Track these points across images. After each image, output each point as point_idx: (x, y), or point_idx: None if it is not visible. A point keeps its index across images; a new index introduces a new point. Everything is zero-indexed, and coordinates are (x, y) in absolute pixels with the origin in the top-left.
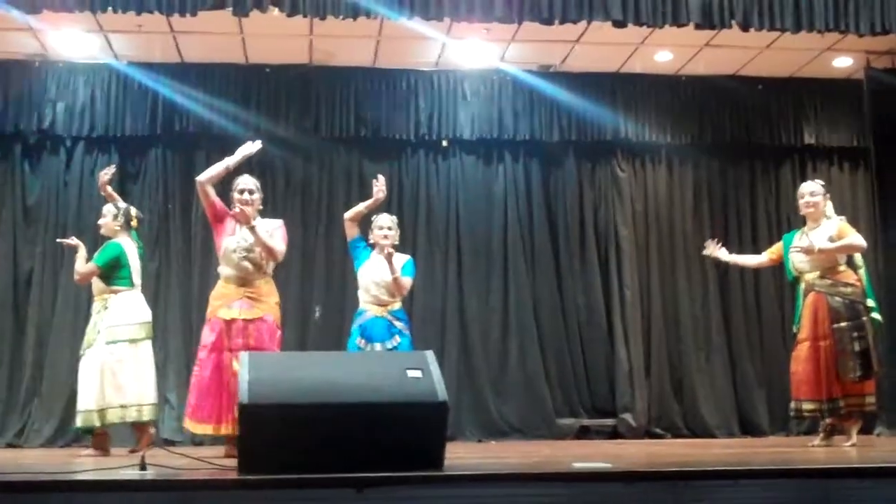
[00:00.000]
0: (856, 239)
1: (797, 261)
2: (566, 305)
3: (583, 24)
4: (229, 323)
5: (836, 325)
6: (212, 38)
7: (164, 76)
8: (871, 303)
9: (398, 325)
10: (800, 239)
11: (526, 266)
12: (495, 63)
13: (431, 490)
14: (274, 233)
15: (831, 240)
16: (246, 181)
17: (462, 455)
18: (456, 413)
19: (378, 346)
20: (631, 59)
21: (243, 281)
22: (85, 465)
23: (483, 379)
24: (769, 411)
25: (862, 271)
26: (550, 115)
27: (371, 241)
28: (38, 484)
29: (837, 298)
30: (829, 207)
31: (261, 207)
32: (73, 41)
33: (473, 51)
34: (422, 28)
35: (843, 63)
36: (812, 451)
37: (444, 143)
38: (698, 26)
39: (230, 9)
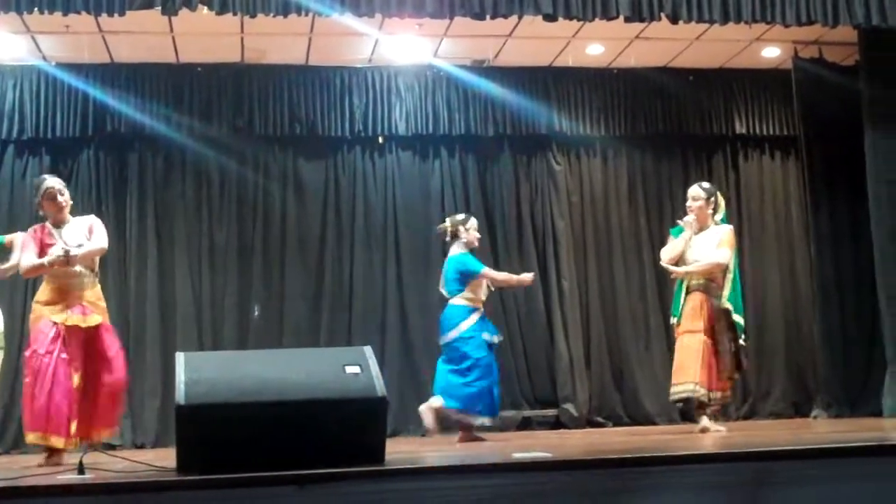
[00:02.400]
0: (718, 257)
1: (692, 258)
2: (505, 298)
3: (514, 18)
4: (70, 329)
5: (715, 325)
6: (142, 38)
7: (94, 77)
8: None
9: None
10: (686, 239)
11: None
12: (429, 59)
13: (373, 484)
14: (94, 230)
15: (717, 246)
16: (53, 181)
17: (404, 450)
18: (398, 409)
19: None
20: (563, 52)
21: (70, 284)
22: (25, 471)
23: (424, 374)
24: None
25: (730, 276)
26: (485, 110)
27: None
28: None
29: (715, 301)
30: (720, 212)
31: (70, 202)
32: None
33: (406, 47)
34: (354, 24)
35: (771, 53)
36: (749, 435)
37: (380, 140)
38: (628, 19)
39: (159, 7)
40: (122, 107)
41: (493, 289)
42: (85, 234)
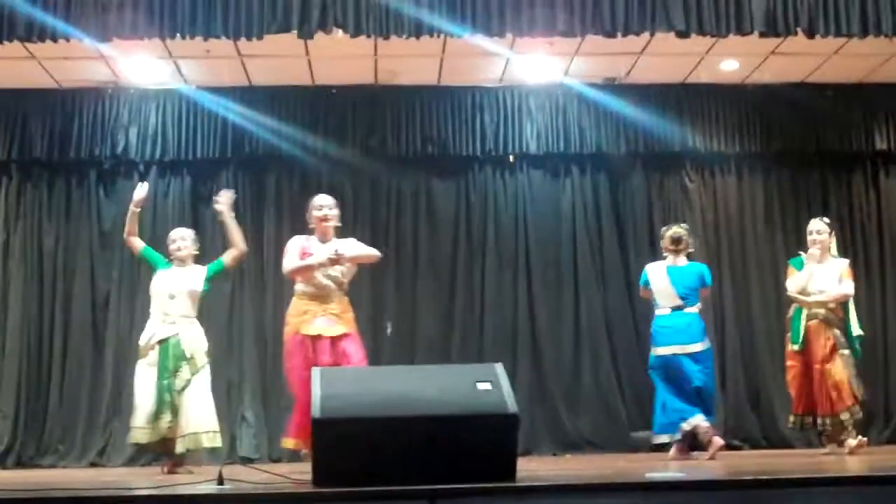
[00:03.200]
0: (848, 289)
1: (815, 289)
2: (638, 318)
3: (646, 35)
4: (314, 339)
5: (840, 352)
6: (278, 61)
7: (233, 100)
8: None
9: None
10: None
11: (596, 279)
12: (560, 77)
13: (504, 501)
14: (357, 246)
15: (839, 279)
16: (324, 199)
17: (536, 468)
18: (529, 427)
19: None
20: (696, 69)
21: (322, 298)
22: (165, 481)
23: (556, 393)
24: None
25: (852, 306)
26: (617, 128)
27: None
28: (116, 499)
29: (836, 330)
30: (833, 246)
31: (339, 224)
32: (143, 68)
33: (537, 66)
34: (485, 44)
35: None
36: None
37: (511, 159)
38: (763, 34)
39: (295, 31)
40: (260, 129)
41: None
42: (354, 251)
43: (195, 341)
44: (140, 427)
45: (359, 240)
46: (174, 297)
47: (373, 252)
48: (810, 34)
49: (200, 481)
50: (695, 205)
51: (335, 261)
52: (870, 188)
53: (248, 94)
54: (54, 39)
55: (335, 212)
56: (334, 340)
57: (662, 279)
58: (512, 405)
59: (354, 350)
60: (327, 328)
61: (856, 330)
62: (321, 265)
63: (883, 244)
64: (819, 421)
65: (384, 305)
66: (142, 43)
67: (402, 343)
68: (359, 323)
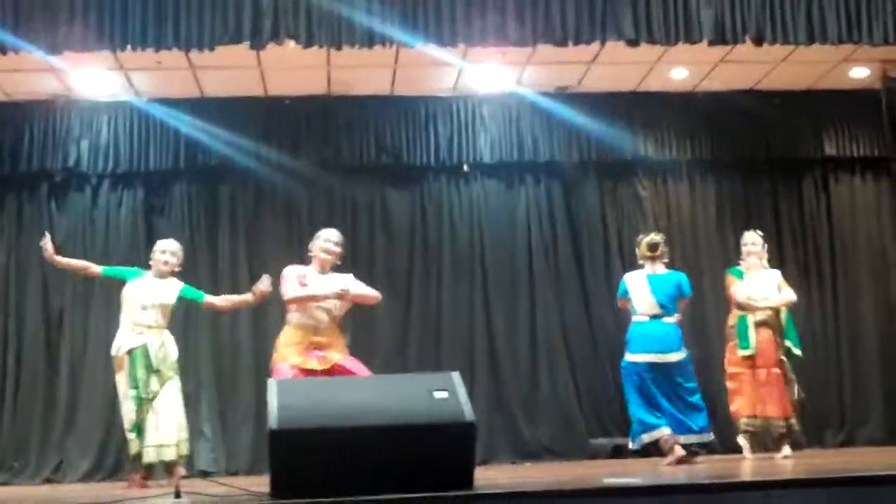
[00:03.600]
0: (792, 296)
1: (759, 297)
2: (594, 325)
3: (597, 44)
4: (307, 372)
5: (783, 358)
6: (231, 72)
7: (185, 111)
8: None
9: None
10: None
11: (552, 287)
12: (512, 86)
13: None
14: (360, 286)
15: (778, 287)
16: (333, 234)
17: (494, 476)
18: (488, 437)
19: None
20: (647, 77)
21: (315, 330)
22: (124, 495)
23: (514, 402)
24: (803, 424)
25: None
26: (569, 137)
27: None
28: None
29: (778, 337)
30: (764, 258)
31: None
32: (94, 80)
33: (490, 75)
34: (437, 54)
35: (859, 74)
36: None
37: (465, 168)
38: (712, 43)
39: (247, 42)
40: (213, 140)
41: None
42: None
43: (163, 351)
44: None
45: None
46: (146, 307)
47: (375, 294)
48: (758, 42)
49: (155, 495)
50: (648, 212)
51: (341, 296)
52: (820, 194)
53: (201, 106)
54: (3, 52)
55: (339, 250)
56: (330, 371)
57: (643, 287)
58: (469, 413)
59: (351, 364)
60: (318, 364)
61: (795, 349)
62: (326, 297)
63: (834, 249)
64: (776, 423)
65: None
66: (92, 55)
67: (359, 353)
68: None
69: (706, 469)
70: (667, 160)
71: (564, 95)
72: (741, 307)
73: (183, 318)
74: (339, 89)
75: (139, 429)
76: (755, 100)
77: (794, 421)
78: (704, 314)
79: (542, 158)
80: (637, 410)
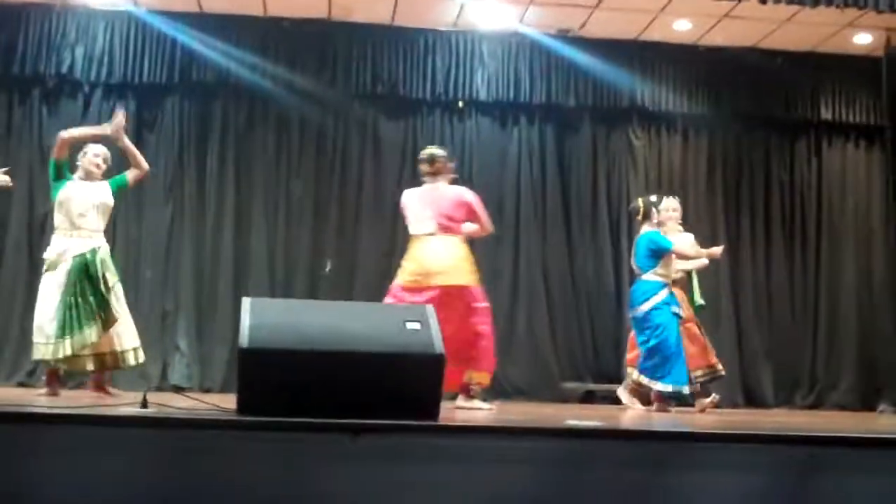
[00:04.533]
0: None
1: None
2: (576, 271)
3: None
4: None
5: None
6: None
7: (183, 25)
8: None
9: None
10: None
11: (537, 230)
12: (514, 25)
13: (425, 439)
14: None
15: (693, 246)
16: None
17: (460, 412)
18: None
19: None
20: (650, 27)
21: None
22: (88, 402)
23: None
24: (774, 383)
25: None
26: (567, 80)
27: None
28: (38, 416)
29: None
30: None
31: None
32: None
33: (492, 12)
34: None
35: (862, 40)
36: (806, 420)
37: (461, 105)
38: None
39: None
40: (209, 55)
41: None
42: None
43: (108, 257)
44: (43, 343)
45: (304, 171)
46: (86, 212)
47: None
48: (763, 0)
49: (123, 403)
50: (639, 162)
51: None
52: (812, 157)
53: (199, 21)
54: None
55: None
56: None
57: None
58: (439, 346)
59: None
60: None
61: (698, 299)
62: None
63: (821, 214)
64: (696, 374)
65: (325, 242)
66: None
67: (341, 280)
68: (300, 260)
69: (670, 420)
70: (663, 111)
71: (566, 38)
72: None
73: (167, 234)
74: (340, 14)
75: (62, 335)
76: (756, 58)
77: (717, 367)
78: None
79: (538, 100)
80: None
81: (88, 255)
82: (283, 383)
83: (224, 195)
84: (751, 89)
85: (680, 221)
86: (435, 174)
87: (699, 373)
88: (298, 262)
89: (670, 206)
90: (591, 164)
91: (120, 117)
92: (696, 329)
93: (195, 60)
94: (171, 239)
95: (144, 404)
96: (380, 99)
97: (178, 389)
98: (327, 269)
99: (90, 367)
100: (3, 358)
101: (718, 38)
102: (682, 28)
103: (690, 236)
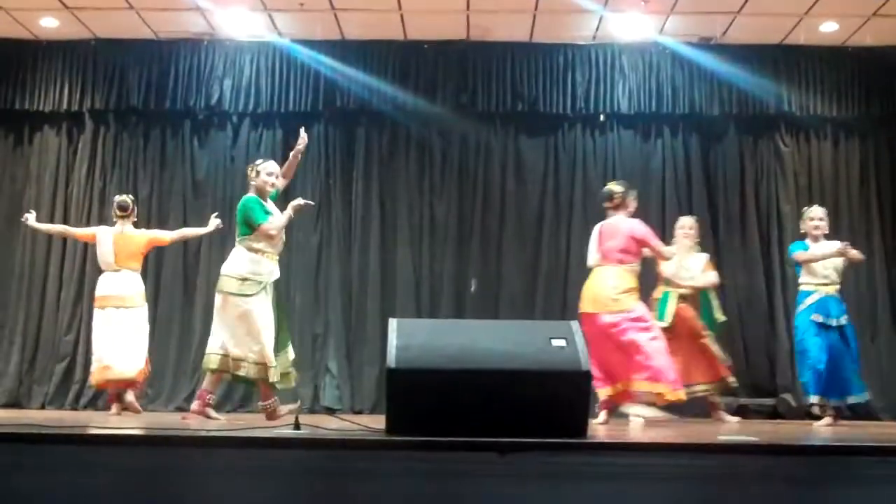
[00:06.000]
0: (716, 278)
1: (686, 276)
2: (726, 283)
3: None
4: None
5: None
6: (371, 15)
7: (325, 53)
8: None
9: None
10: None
11: None
12: (654, 36)
13: (573, 457)
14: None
15: (703, 269)
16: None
17: (612, 428)
18: None
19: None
20: (795, 30)
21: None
22: (246, 423)
23: None
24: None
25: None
26: (711, 89)
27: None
28: (193, 440)
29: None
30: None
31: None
32: (238, 20)
33: (632, 24)
34: (578, 1)
35: None
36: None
37: (602, 118)
38: None
39: None
40: (351, 83)
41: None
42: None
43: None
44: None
45: (446, 195)
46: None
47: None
48: None
49: (278, 426)
50: (788, 169)
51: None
52: None
53: (341, 48)
54: None
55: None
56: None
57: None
58: (585, 363)
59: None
60: None
61: (719, 316)
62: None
63: None
64: (704, 388)
65: (469, 262)
66: None
67: (486, 300)
68: (445, 281)
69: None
70: (811, 116)
71: (707, 46)
72: (667, 282)
73: (315, 258)
74: (478, 35)
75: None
76: None
77: (728, 381)
78: (845, 276)
79: (681, 110)
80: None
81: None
82: (430, 403)
83: (370, 219)
84: None
85: (697, 240)
86: (616, 208)
87: (702, 387)
88: (443, 282)
89: (815, 216)
90: (738, 174)
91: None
92: (708, 343)
93: (338, 87)
94: (320, 263)
95: (297, 426)
96: (520, 116)
97: (329, 411)
98: (472, 289)
99: (293, 383)
100: (163, 384)
101: (867, 38)
102: (828, 29)
103: (705, 256)
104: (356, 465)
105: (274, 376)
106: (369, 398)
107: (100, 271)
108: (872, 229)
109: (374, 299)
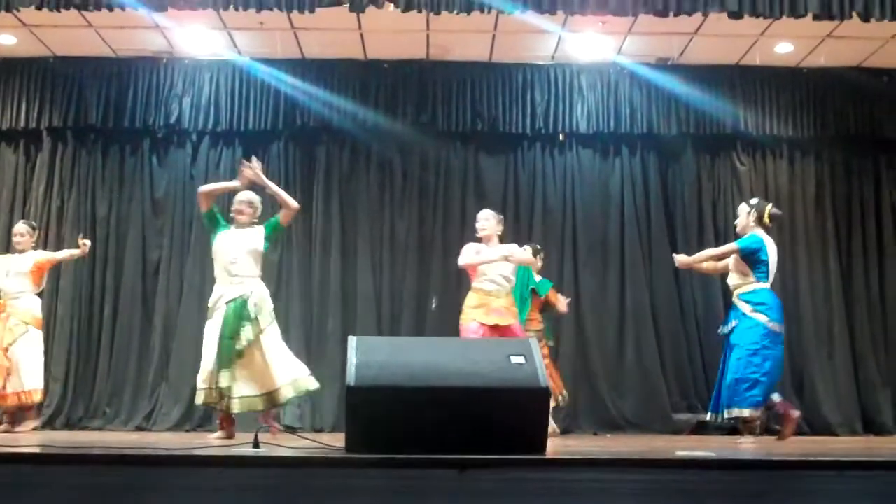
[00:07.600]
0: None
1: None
2: (684, 300)
3: (699, 16)
4: (491, 328)
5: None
6: (331, 34)
7: (286, 72)
8: None
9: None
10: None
11: (643, 261)
12: (612, 56)
13: (532, 473)
14: (522, 252)
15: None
16: (480, 214)
17: (572, 445)
18: (572, 407)
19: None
20: (751, 51)
21: (495, 295)
22: (204, 443)
23: (599, 373)
24: (894, 407)
25: None
26: (668, 109)
27: None
28: (153, 459)
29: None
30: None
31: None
32: (198, 38)
33: (590, 44)
34: (537, 21)
35: None
36: None
37: (561, 138)
38: (816, 17)
39: (347, 5)
40: (311, 101)
41: None
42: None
43: (261, 301)
44: (201, 388)
45: (407, 214)
46: (237, 259)
47: (532, 258)
48: (866, 18)
49: (235, 444)
50: (745, 187)
51: (506, 258)
52: None
53: (301, 67)
54: (111, 8)
55: (489, 225)
56: (503, 329)
57: (774, 255)
58: (543, 380)
59: (518, 329)
60: (500, 319)
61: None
62: (493, 261)
63: None
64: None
65: (430, 279)
66: (196, 13)
67: (447, 318)
68: (406, 298)
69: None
70: (767, 135)
71: (665, 66)
72: None
73: (275, 275)
74: (438, 54)
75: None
76: (862, 77)
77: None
78: (798, 293)
79: (639, 129)
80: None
81: (239, 301)
82: (390, 420)
83: (330, 237)
84: (859, 109)
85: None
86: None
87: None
88: (404, 300)
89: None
90: (695, 192)
91: (248, 169)
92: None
93: (298, 106)
94: (280, 281)
95: (256, 444)
96: (480, 135)
97: (290, 429)
98: (433, 306)
99: (260, 406)
100: (122, 403)
101: (822, 59)
102: (783, 50)
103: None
104: (316, 484)
105: (198, 398)
106: (330, 416)
107: None
108: (828, 247)
109: (334, 317)
